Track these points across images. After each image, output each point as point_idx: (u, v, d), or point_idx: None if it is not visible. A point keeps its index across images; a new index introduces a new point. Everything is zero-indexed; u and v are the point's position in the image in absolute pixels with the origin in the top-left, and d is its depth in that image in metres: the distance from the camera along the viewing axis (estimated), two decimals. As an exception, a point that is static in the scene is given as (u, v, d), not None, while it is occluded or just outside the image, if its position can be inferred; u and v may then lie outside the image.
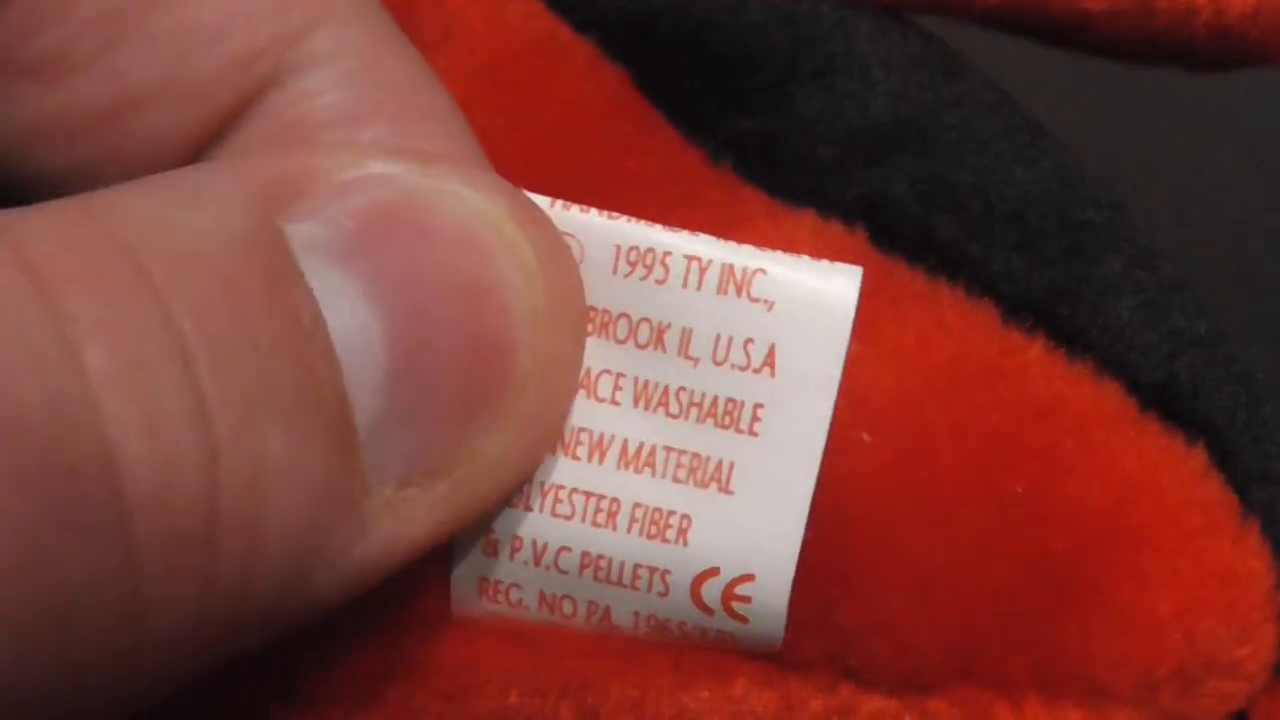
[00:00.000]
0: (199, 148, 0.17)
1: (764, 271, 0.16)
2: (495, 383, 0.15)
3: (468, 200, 0.14)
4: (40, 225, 0.13)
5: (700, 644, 0.16)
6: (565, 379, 0.16)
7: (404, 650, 0.17)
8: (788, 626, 0.16)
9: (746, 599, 0.16)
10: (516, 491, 0.16)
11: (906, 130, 0.17)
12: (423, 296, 0.14)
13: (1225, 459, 0.17)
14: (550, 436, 0.16)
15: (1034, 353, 0.16)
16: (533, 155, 0.17)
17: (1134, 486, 0.16)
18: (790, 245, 0.16)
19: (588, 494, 0.16)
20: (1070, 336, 0.16)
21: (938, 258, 0.16)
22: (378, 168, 0.14)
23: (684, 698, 0.16)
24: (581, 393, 0.16)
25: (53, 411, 0.12)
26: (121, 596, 0.12)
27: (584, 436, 0.16)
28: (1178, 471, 0.16)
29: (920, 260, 0.17)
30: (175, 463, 0.12)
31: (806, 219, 0.17)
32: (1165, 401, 0.17)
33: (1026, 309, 0.16)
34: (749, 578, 0.16)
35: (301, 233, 0.14)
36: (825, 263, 0.16)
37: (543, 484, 0.16)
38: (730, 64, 0.18)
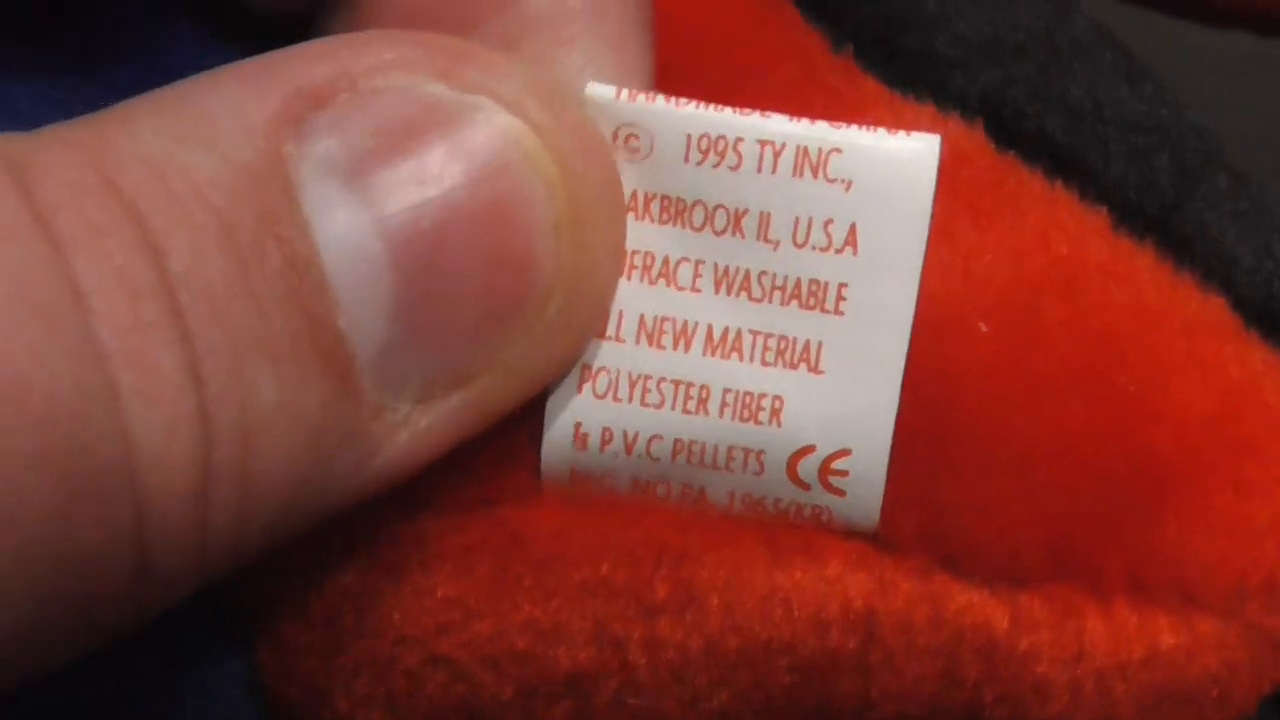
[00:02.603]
0: None
1: (839, 150, 0.15)
2: (515, 298, 0.15)
3: (490, 115, 0.14)
4: (49, 168, 0.13)
5: (796, 521, 0.17)
6: (594, 287, 0.16)
7: (495, 522, 0.17)
8: (886, 500, 0.16)
9: (844, 473, 0.16)
10: (605, 385, 0.16)
11: (1024, 43, 0.17)
12: (434, 219, 0.14)
13: None
14: (581, 341, 0.16)
15: (1145, 260, 0.16)
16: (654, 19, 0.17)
17: (1239, 395, 0.16)
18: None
19: (676, 382, 0.16)
20: (1177, 249, 0.16)
21: (1053, 162, 0.16)
22: (401, 78, 0.14)
23: (777, 576, 0.17)
24: (661, 282, 0.16)
25: (77, 395, 0.12)
26: (132, 551, 0.13)
27: (667, 325, 0.16)
28: None
29: (1036, 162, 0.17)
30: (173, 425, 0.13)
31: (926, 111, 0.17)
32: (1266, 321, 0.17)
33: (1136, 218, 0.16)
34: (845, 453, 0.16)
35: (315, 152, 0.14)
36: (902, 133, 0.15)
37: (630, 375, 0.16)
38: None
